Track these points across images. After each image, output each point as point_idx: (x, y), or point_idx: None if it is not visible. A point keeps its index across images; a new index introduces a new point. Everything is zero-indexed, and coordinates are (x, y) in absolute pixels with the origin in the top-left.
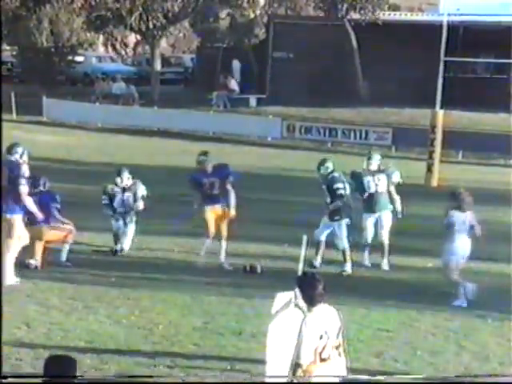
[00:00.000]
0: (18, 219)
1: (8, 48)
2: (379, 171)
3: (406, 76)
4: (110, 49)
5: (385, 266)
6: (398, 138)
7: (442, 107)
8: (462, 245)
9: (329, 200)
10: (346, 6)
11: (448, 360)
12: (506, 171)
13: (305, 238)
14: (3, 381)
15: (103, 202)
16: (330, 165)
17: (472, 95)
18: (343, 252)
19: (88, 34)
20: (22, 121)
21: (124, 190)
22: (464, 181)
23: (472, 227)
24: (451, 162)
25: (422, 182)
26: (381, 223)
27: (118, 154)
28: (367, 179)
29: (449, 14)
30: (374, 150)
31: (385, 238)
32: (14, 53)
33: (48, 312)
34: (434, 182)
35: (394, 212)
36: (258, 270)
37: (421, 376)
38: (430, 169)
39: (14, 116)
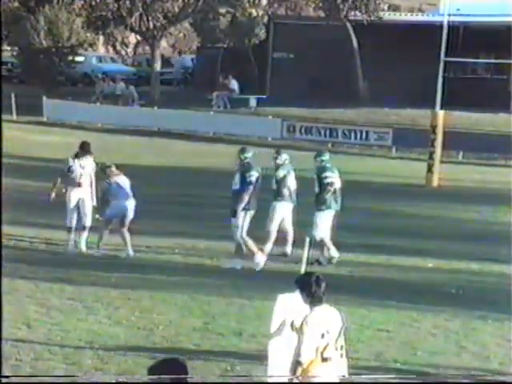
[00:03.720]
0: None
1: (8, 48)
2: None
3: (406, 76)
4: (110, 49)
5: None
6: (399, 138)
7: (442, 107)
8: (127, 204)
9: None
10: (346, 5)
11: (448, 360)
12: (506, 171)
13: (307, 239)
14: (3, 380)
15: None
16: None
17: (472, 95)
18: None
19: (88, 34)
20: (22, 121)
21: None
22: (464, 181)
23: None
24: (452, 163)
25: (422, 183)
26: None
27: (118, 154)
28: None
29: (449, 14)
30: (282, 151)
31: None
32: (14, 53)
33: (48, 312)
34: (435, 183)
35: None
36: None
37: (421, 376)
38: (430, 169)
39: (14, 116)
